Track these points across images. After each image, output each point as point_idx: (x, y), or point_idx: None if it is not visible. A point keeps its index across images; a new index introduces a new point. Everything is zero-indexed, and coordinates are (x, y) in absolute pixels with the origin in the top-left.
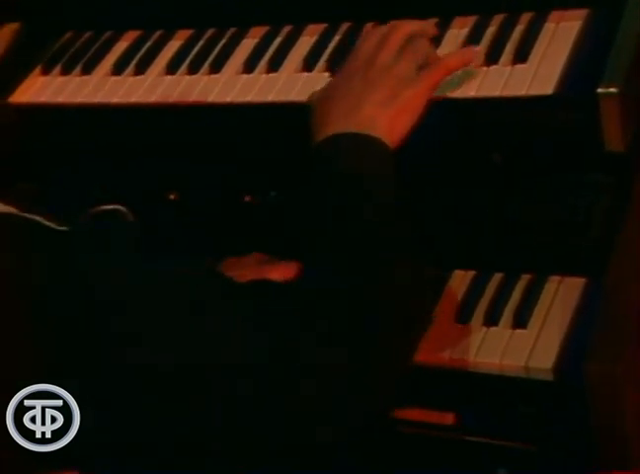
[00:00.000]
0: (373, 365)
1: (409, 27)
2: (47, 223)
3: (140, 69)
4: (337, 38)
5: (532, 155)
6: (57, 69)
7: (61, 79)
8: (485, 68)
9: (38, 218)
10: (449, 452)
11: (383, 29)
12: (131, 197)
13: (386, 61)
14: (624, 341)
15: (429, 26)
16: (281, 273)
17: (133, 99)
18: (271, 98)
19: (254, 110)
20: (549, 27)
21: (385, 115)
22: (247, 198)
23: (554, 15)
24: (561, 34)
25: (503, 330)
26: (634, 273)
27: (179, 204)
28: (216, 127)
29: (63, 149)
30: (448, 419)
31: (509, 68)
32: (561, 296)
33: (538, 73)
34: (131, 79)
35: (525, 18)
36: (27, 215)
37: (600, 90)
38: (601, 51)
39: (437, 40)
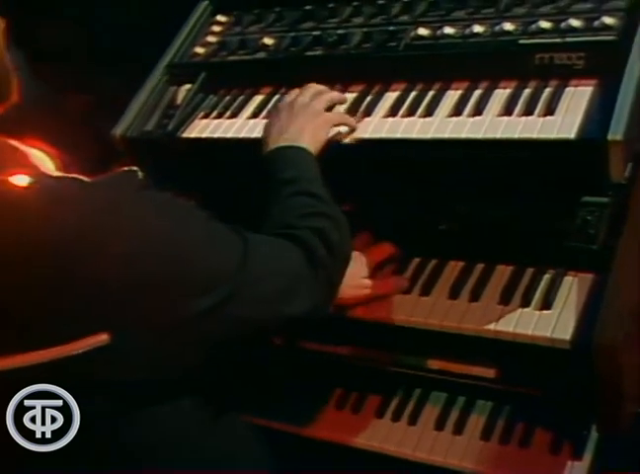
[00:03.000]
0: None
1: (317, 86)
2: None
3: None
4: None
5: (557, 182)
6: (214, 114)
7: (216, 122)
8: (523, 119)
9: None
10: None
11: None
12: None
13: (304, 102)
14: (623, 322)
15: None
16: (379, 252)
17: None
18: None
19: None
20: (570, 90)
21: (306, 132)
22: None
23: (573, 81)
24: (579, 94)
25: (534, 310)
26: (632, 270)
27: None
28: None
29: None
30: (490, 372)
31: (541, 119)
32: (577, 287)
33: (563, 123)
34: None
35: (553, 83)
36: None
37: (609, 137)
38: (608, 108)
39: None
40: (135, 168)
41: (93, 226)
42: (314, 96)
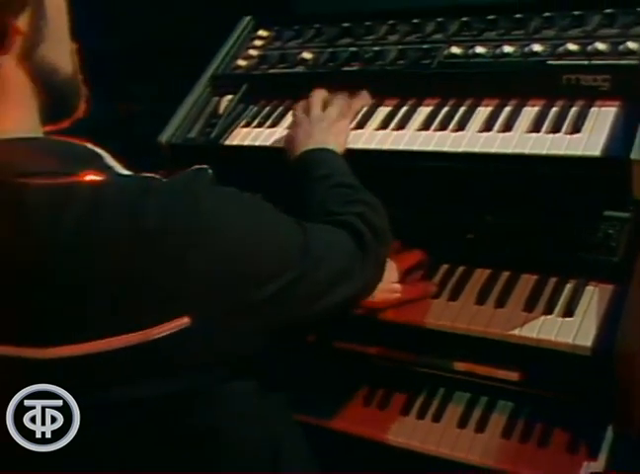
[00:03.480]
0: (384, 249)
1: (322, 94)
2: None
3: None
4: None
5: (581, 196)
6: (255, 123)
7: (257, 131)
8: (551, 136)
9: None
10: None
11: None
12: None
13: (318, 114)
14: None
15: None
16: (409, 258)
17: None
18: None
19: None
20: (595, 110)
21: (330, 137)
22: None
23: (598, 102)
24: (603, 115)
25: (557, 317)
26: None
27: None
28: None
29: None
30: (514, 375)
31: (568, 136)
32: (598, 296)
33: (589, 141)
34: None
35: (579, 103)
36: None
37: (632, 156)
38: (631, 128)
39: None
40: (205, 166)
41: (176, 216)
42: (325, 106)
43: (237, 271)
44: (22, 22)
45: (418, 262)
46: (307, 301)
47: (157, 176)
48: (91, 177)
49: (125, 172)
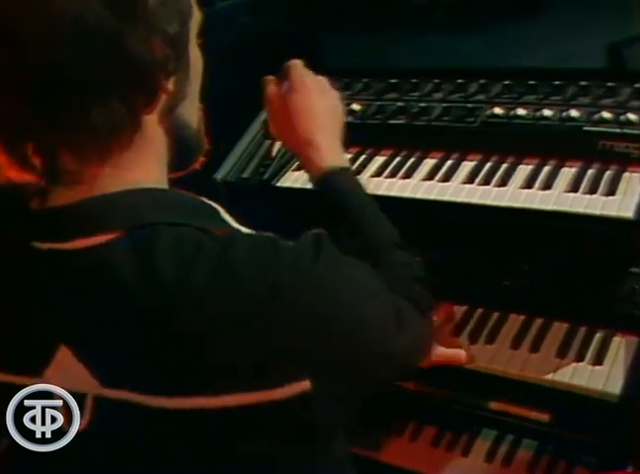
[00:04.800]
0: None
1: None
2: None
3: None
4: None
5: (611, 253)
6: None
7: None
8: (588, 196)
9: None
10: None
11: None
12: None
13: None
14: None
15: None
16: (443, 314)
17: None
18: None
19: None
20: (627, 175)
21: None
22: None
23: (630, 167)
24: (635, 180)
25: (587, 365)
26: None
27: None
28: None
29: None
30: (545, 416)
31: (603, 198)
32: (625, 347)
33: (622, 203)
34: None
35: (614, 167)
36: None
37: None
38: None
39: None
40: (322, 231)
41: (311, 276)
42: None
43: (351, 338)
44: (171, 83)
45: (448, 316)
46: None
47: (274, 236)
48: (217, 231)
49: (242, 228)
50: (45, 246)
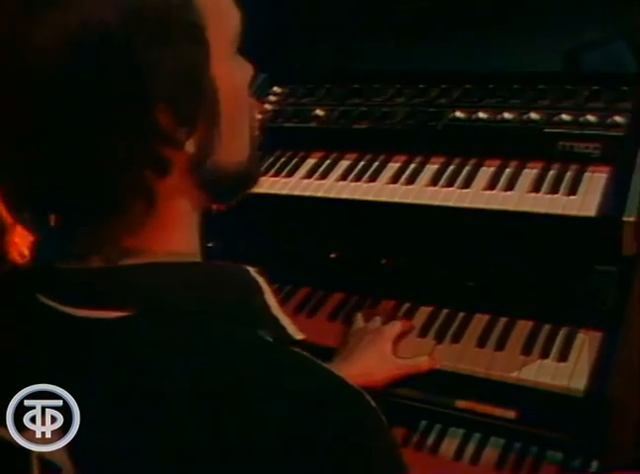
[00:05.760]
0: None
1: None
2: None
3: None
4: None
5: (574, 251)
6: (271, 173)
7: (272, 180)
8: (549, 196)
9: None
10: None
11: None
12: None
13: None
14: (632, 373)
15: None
16: (397, 330)
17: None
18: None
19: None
20: (588, 175)
21: None
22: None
23: (591, 167)
24: (596, 179)
25: (552, 362)
26: (638, 330)
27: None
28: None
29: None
30: (512, 413)
31: (564, 197)
32: (589, 343)
33: (584, 202)
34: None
35: (574, 167)
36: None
37: (624, 218)
38: (622, 193)
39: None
40: None
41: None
42: None
43: None
44: (190, 145)
45: (406, 331)
46: None
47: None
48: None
49: (290, 325)
50: (50, 303)
